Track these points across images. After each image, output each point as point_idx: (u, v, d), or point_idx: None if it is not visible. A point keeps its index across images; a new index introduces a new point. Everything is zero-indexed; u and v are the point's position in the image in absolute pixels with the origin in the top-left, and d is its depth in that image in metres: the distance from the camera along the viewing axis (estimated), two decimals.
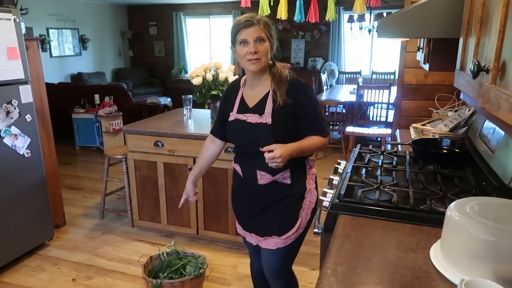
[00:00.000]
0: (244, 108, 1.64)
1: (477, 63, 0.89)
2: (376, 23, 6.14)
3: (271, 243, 1.67)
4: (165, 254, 2.31)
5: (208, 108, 3.18)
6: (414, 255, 1.08)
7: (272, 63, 1.61)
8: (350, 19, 6.41)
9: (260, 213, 1.68)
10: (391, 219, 1.29)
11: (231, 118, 1.66)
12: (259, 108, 1.58)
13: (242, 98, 1.66)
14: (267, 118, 1.55)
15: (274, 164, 1.44)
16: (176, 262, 2.28)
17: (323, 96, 5.75)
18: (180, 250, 2.39)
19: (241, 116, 1.62)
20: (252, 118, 1.58)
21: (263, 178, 1.61)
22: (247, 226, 1.77)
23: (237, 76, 3.24)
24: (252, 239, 1.75)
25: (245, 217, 1.77)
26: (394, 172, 1.69)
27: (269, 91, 1.59)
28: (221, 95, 3.02)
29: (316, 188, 1.73)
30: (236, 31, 1.52)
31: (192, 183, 1.88)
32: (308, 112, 1.58)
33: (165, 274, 2.20)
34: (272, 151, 1.43)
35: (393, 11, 6.43)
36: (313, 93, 1.65)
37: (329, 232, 1.30)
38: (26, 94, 2.73)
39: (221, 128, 1.74)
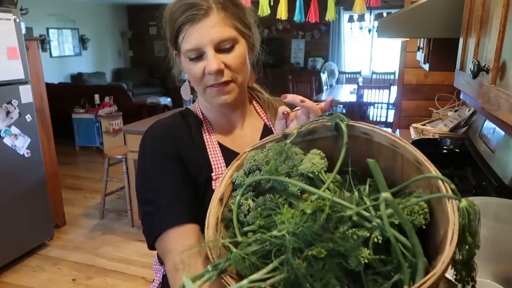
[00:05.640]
0: (232, 159, 0.72)
1: (477, 63, 0.89)
2: (376, 23, 6.15)
3: None
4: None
5: None
6: None
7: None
8: (350, 19, 6.42)
9: None
10: None
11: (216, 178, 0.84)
12: None
13: (221, 146, 0.89)
14: None
15: None
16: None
17: (323, 96, 5.74)
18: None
19: None
20: None
21: None
22: None
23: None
24: None
25: None
26: None
27: (264, 126, 0.95)
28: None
29: None
30: (175, 28, 0.84)
31: None
32: None
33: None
34: None
35: (393, 11, 6.44)
36: None
37: None
38: (26, 94, 2.73)
39: (191, 204, 0.80)
